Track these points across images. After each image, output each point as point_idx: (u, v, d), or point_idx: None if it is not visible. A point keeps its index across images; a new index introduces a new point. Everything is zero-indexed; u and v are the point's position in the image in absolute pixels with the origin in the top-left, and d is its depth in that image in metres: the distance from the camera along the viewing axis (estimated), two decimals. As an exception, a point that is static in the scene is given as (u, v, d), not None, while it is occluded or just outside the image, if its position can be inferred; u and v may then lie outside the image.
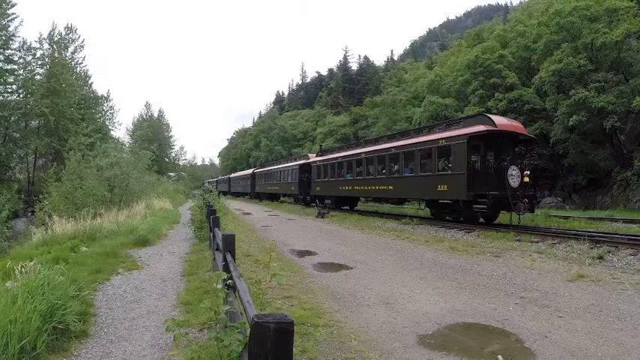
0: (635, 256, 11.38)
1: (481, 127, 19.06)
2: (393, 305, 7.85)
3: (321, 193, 36.16)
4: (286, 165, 47.92)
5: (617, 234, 15.26)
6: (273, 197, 53.77)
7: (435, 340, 6.15)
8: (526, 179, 18.70)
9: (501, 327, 6.66)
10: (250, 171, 67.63)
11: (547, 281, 9.61)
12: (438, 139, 21.16)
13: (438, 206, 22.81)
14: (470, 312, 7.43)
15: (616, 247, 12.54)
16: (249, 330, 2.48)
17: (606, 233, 15.56)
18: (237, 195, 73.69)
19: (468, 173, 19.11)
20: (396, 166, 25.28)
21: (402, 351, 5.76)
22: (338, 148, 39.18)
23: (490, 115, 20.62)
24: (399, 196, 26.44)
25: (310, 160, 40.27)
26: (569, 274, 10.19)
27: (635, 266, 10.66)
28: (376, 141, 30.37)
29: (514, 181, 18.34)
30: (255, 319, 2.20)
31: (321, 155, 38.67)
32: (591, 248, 12.65)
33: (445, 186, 20.38)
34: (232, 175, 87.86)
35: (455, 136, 20.08)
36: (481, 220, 20.57)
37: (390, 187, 25.50)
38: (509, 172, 18.36)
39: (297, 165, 42.86)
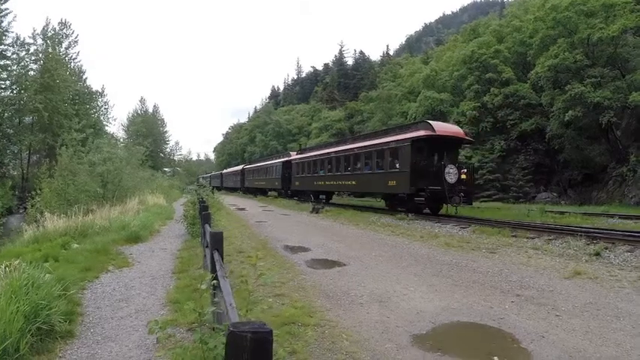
0: (632, 253, 11.26)
1: (422, 132, 22.75)
2: (387, 303, 7.70)
3: (300, 187, 40.76)
4: (271, 162, 51.78)
5: (613, 230, 15.16)
6: (261, 192, 56.32)
7: (430, 341, 6.00)
8: (463, 176, 22.28)
9: (497, 326, 6.52)
10: (240, 167, 72.12)
11: (543, 278, 9.49)
12: (390, 141, 25.00)
13: (390, 199, 26.77)
14: (465, 310, 7.30)
15: (613, 243, 12.43)
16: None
17: (603, 229, 15.45)
18: (229, 190, 75.61)
19: (412, 171, 22.39)
20: (357, 165, 29.21)
21: (395, 352, 5.61)
22: (314, 147, 44.41)
23: (432, 122, 23.78)
24: (361, 190, 30.90)
25: (291, 158, 44.07)
26: (566, 271, 10.07)
27: (633, 263, 10.54)
28: (344, 142, 34.64)
29: (451, 178, 21.83)
30: (231, 328, 2.04)
31: (300, 153, 42.87)
32: (588, 244, 12.53)
33: (394, 182, 24.01)
34: (224, 171, 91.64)
35: (401, 139, 23.81)
36: (427, 210, 23.52)
37: (354, 183, 29.73)
38: (447, 170, 21.85)
39: (280, 162, 46.83)
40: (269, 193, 54.00)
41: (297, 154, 43.47)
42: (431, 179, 21.83)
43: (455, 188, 21.59)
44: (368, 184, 27.90)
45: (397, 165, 24.08)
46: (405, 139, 23.29)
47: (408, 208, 23.31)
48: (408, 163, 22.66)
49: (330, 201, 36.66)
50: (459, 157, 28.01)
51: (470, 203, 23.11)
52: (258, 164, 59.41)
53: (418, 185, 22.08)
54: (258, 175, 57.16)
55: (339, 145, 34.13)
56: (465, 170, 22.87)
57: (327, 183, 34.02)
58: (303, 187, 40.01)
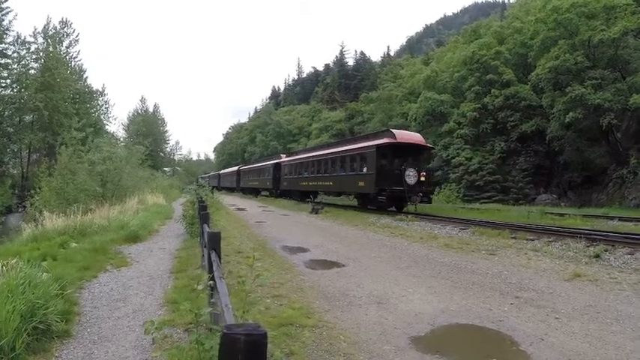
0: (633, 255, 11.21)
1: (386, 140, 25.91)
2: (385, 305, 7.67)
3: (287, 187, 44.66)
4: (264, 164, 55.79)
5: (613, 232, 15.09)
6: (255, 191, 59.75)
7: (428, 343, 5.97)
8: (422, 178, 25.18)
9: (496, 329, 6.49)
10: (236, 168, 75.55)
11: (543, 280, 9.45)
12: (359, 147, 28.66)
13: (362, 197, 30.07)
14: (464, 313, 7.26)
15: (613, 245, 12.37)
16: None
17: (603, 231, 15.38)
18: (226, 189, 77.88)
19: (376, 173, 25.35)
20: (334, 167, 32.61)
21: (393, 354, 5.58)
22: (300, 151, 49.06)
23: (394, 131, 27.46)
24: (337, 190, 34.10)
25: (281, 161, 48.19)
26: (566, 273, 10.04)
27: (633, 265, 10.50)
28: (324, 147, 39.71)
29: (411, 180, 24.62)
30: (224, 330, 2.00)
31: (288, 157, 48.03)
32: (588, 247, 12.47)
33: (363, 182, 27.16)
34: (221, 171, 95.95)
35: (369, 146, 27.22)
36: (393, 208, 26.03)
37: (331, 183, 33.21)
38: (407, 173, 24.65)
39: (271, 164, 50.31)
40: (262, 192, 57.05)
41: (286, 157, 48.14)
42: (393, 181, 24.48)
43: (414, 189, 24.46)
44: (342, 184, 31.36)
45: (365, 168, 27.19)
46: (372, 145, 26.66)
47: (376, 205, 26.59)
48: (373, 167, 25.74)
49: (315, 200, 39.01)
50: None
51: (428, 202, 25.90)
52: (252, 166, 63.93)
53: (382, 186, 24.80)
54: (252, 175, 60.84)
55: (320, 149, 38.76)
56: (424, 173, 25.69)
57: (310, 184, 37.84)
58: (290, 187, 43.82)
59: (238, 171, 71.07)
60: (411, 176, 24.62)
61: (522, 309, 7.44)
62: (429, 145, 29.67)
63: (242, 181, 66.94)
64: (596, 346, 5.84)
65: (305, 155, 41.14)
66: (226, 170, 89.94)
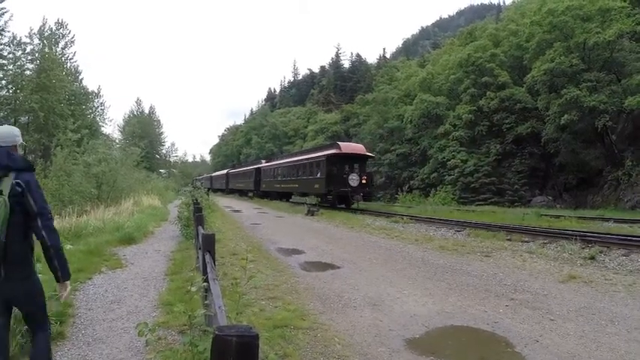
0: (628, 257, 11.23)
1: (333, 151, 32.65)
2: (380, 307, 7.65)
3: (266, 189, 50.98)
4: (247, 168, 62.98)
5: (608, 234, 15.10)
6: (241, 192, 66.19)
7: (423, 345, 5.96)
8: (364, 181, 30.98)
9: (491, 330, 6.48)
10: (225, 172, 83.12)
11: (538, 282, 9.45)
12: (316, 156, 35.06)
13: (321, 197, 34.31)
14: (459, 314, 7.25)
15: (608, 247, 12.38)
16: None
17: (598, 233, 15.39)
18: (216, 191, 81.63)
19: (327, 177, 31.38)
20: (299, 172, 38.77)
21: (388, 356, 5.57)
22: (276, 157, 58.15)
23: (340, 143, 34.77)
24: (302, 191, 38.68)
25: (261, 166, 55.02)
26: (561, 274, 10.05)
27: (628, 267, 10.52)
28: (293, 155, 47.95)
29: (353, 182, 30.58)
30: (216, 332, 1.98)
31: (267, 162, 54.74)
32: (583, 248, 12.49)
33: (318, 185, 33.12)
34: (213, 174, 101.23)
35: (321, 155, 33.82)
36: (342, 205, 32.00)
37: (297, 185, 39.09)
38: (350, 177, 30.76)
39: (253, 169, 57.15)
40: (249, 194, 62.09)
41: (266, 163, 54.95)
42: (339, 183, 30.54)
43: (357, 190, 30.54)
44: (305, 186, 36.83)
45: (319, 173, 33.47)
46: (323, 155, 33.30)
47: (328, 203, 32.46)
48: (324, 172, 31.90)
49: (290, 200, 45.17)
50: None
51: (368, 200, 33.24)
52: (239, 170, 71.35)
53: (330, 187, 30.78)
54: (239, 178, 67.82)
55: (290, 157, 46.16)
56: (365, 177, 31.43)
57: (282, 186, 44.28)
58: (268, 189, 50.17)
59: (227, 174, 77.99)
60: (353, 179, 30.72)
61: (517, 311, 7.43)
62: (370, 154, 35.40)
63: (230, 183, 73.81)
64: (591, 347, 5.84)
65: (279, 162, 48.08)
66: (217, 173, 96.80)
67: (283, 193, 45.79)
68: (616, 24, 32.15)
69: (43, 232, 3.90)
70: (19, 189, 3.72)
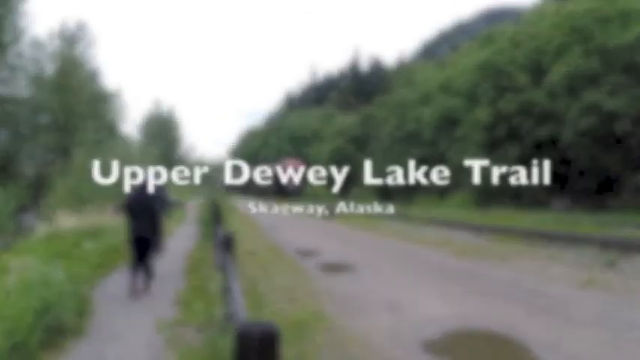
0: (648, 263, 11.09)
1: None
2: (398, 309, 7.65)
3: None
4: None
5: (628, 239, 14.92)
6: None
7: (440, 347, 5.95)
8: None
9: (509, 335, 6.44)
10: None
11: (556, 287, 9.37)
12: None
13: None
14: (476, 318, 7.22)
15: (628, 252, 12.23)
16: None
17: (617, 238, 15.22)
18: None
19: None
20: None
21: (405, 358, 5.57)
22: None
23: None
24: None
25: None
26: (580, 280, 9.94)
27: (648, 273, 10.38)
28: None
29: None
30: (239, 328, 2.01)
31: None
32: (602, 253, 12.36)
33: None
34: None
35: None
36: None
37: None
38: None
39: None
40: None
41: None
42: None
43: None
44: None
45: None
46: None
47: None
48: None
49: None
50: None
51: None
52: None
53: None
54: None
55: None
56: None
57: None
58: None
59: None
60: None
61: (535, 316, 7.38)
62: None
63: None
64: (610, 353, 5.78)
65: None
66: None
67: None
68: (637, 26, 31.77)
69: None
70: None
